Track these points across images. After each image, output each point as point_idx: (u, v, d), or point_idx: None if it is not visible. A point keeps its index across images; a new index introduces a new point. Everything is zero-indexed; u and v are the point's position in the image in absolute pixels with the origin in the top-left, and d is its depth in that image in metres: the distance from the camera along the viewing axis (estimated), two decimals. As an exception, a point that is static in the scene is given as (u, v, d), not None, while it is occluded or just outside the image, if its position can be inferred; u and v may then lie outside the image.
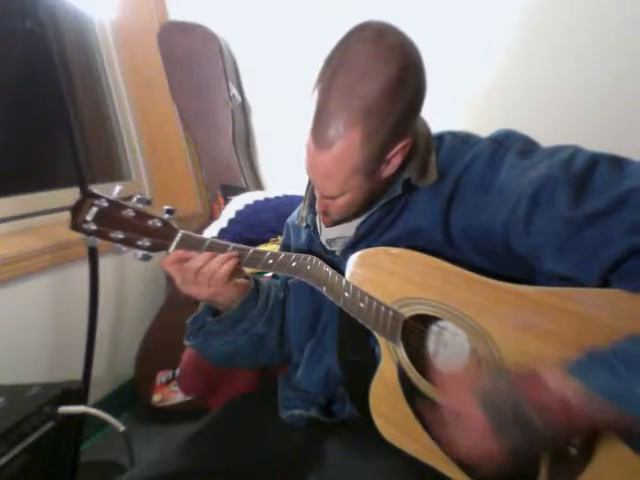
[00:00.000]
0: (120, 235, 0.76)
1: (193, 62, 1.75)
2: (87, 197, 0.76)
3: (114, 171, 1.95)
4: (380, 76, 0.60)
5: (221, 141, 1.78)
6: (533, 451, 0.56)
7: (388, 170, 0.69)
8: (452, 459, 0.64)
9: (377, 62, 0.61)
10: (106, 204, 0.76)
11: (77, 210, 0.76)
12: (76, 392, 0.99)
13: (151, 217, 0.76)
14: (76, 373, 1.32)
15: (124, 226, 0.76)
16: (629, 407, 0.51)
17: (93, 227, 0.76)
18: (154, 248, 0.77)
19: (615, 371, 0.52)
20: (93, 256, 1.30)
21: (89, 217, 0.76)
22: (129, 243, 0.76)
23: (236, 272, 0.77)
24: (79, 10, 1.78)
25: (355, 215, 0.76)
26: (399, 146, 0.66)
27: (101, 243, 0.77)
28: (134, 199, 0.77)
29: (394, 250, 0.71)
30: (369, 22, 0.64)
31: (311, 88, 0.66)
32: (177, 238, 0.76)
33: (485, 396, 0.56)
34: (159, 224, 0.76)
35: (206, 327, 0.82)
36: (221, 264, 0.74)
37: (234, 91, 1.76)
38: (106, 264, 1.53)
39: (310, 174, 0.71)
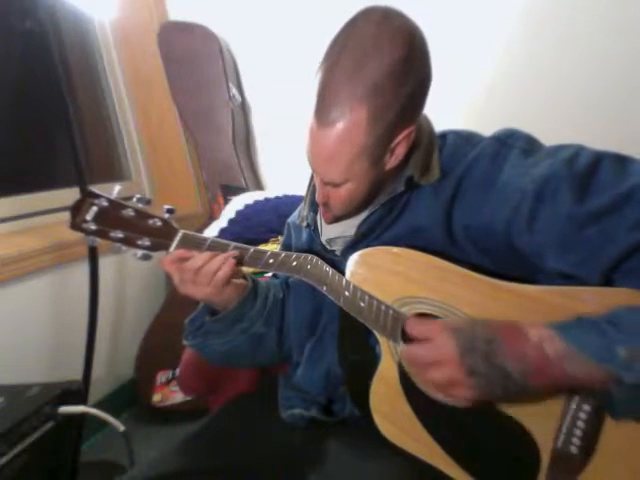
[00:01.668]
0: (120, 234, 0.76)
1: (193, 62, 1.75)
2: (87, 197, 0.76)
3: (114, 171, 1.95)
4: (386, 57, 0.60)
5: (221, 141, 1.78)
6: (504, 396, 0.57)
7: (392, 161, 0.68)
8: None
9: (383, 43, 0.60)
10: (106, 204, 0.75)
11: (77, 210, 0.76)
12: (76, 392, 0.98)
13: (151, 217, 0.76)
14: (76, 373, 1.32)
15: (124, 225, 0.76)
16: (608, 365, 0.52)
17: (93, 227, 0.75)
18: (154, 247, 0.76)
19: (600, 330, 0.53)
20: (93, 256, 1.30)
21: (89, 217, 0.75)
22: (129, 242, 0.76)
23: (235, 272, 0.77)
24: (79, 10, 1.79)
25: (356, 212, 0.75)
26: (404, 133, 0.65)
27: (101, 243, 0.77)
28: (134, 199, 0.77)
29: (395, 249, 0.70)
30: (375, 6, 0.64)
31: (315, 71, 0.65)
32: (177, 238, 0.76)
33: (461, 330, 0.57)
34: (159, 224, 0.76)
35: (204, 327, 0.82)
36: (220, 265, 0.73)
37: (234, 91, 1.76)
38: (106, 264, 1.53)
39: (312, 159, 0.69)
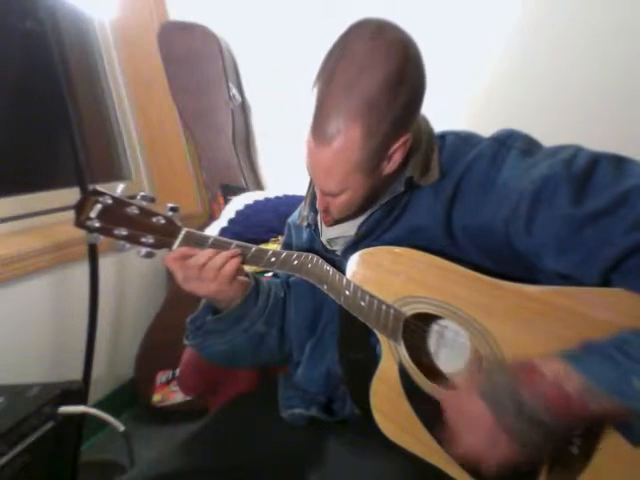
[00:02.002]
0: (124, 232, 0.76)
1: (193, 62, 1.75)
2: (91, 194, 0.76)
3: (114, 171, 1.95)
4: (379, 71, 0.61)
5: (221, 141, 1.78)
6: (540, 443, 0.55)
7: (389, 167, 0.69)
8: (457, 461, 0.64)
9: (376, 57, 0.61)
10: (110, 201, 0.76)
11: (81, 207, 0.76)
12: (76, 392, 0.98)
13: (155, 214, 0.76)
14: (76, 373, 1.32)
15: (128, 223, 0.76)
16: (626, 399, 0.51)
17: (97, 224, 0.76)
18: (158, 245, 0.77)
19: (614, 361, 0.53)
20: (93, 255, 1.30)
21: (93, 214, 0.75)
22: (133, 240, 0.76)
23: (240, 269, 0.77)
24: (79, 10, 1.79)
25: (356, 214, 0.76)
26: (400, 142, 0.66)
27: (104, 240, 0.77)
28: (138, 197, 0.77)
29: (396, 249, 0.71)
30: (368, 19, 0.64)
31: (311, 86, 0.66)
32: (181, 235, 0.76)
33: (484, 390, 0.57)
34: (163, 221, 0.76)
35: (205, 326, 0.82)
36: (225, 261, 0.74)
37: (234, 91, 1.76)
38: (106, 264, 1.53)
39: (310, 171, 0.71)
